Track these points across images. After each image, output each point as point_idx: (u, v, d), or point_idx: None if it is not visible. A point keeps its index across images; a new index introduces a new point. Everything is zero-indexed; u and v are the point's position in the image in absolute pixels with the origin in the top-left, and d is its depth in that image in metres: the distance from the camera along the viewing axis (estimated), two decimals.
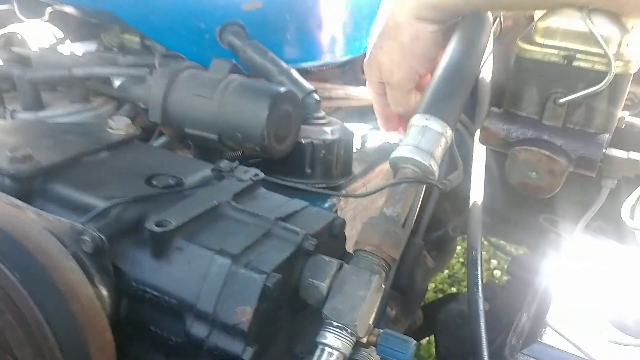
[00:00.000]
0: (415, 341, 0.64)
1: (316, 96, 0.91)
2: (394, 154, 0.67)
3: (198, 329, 0.58)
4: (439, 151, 0.68)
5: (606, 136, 0.76)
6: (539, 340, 0.77)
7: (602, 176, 0.78)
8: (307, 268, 0.62)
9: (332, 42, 1.01)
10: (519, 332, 0.79)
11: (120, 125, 0.77)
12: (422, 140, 0.67)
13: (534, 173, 0.77)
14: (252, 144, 0.80)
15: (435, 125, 0.68)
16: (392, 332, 0.63)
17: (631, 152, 0.76)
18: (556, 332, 0.76)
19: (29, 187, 0.64)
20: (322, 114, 0.92)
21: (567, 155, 0.75)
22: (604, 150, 0.75)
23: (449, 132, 0.69)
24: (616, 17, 0.71)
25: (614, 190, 0.81)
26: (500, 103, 0.82)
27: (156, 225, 0.59)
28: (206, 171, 0.73)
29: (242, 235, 0.62)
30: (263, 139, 0.79)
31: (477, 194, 0.92)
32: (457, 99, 0.71)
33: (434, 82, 0.73)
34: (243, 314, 0.57)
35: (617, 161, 0.76)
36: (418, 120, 0.69)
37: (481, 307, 0.86)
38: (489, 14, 0.80)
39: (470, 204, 0.92)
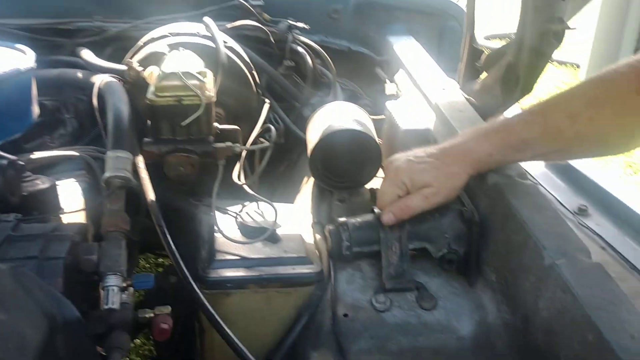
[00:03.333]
0: (153, 275, 1.13)
1: (20, 162, 1.28)
2: (106, 175, 1.14)
3: None
4: (129, 166, 1.18)
5: (211, 138, 1.36)
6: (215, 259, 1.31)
7: (217, 159, 1.38)
8: (80, 252, 1.04)
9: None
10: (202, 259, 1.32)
11: None
12: (118, 163, 1.16)
13: (181, 168, 1.32)
14: None
15: (122, 154, 1.18)
16: (140, 274, 1.11)
17: (227, 143, 1.38)
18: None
19: None
20: (28, 174, 1.29)
21: (196, 153, 1.33)
22: (213, 145, 1.35)
23: (131, 155, 1.19)
24: None
25: (226, 166, 1.42)
26: (147, 135, 1.35)
27: None
28: None
29: (35, 246, 1.00)
30: None
31: (149, 193, 1.43)
32: (128, 137, 1.22)
33: (110, 132, 1.21)
34: (57, 284, 0.96)
35: (221, 149, 1.37)
36: (111, 154, 1.17)
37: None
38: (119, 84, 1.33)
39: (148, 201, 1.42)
